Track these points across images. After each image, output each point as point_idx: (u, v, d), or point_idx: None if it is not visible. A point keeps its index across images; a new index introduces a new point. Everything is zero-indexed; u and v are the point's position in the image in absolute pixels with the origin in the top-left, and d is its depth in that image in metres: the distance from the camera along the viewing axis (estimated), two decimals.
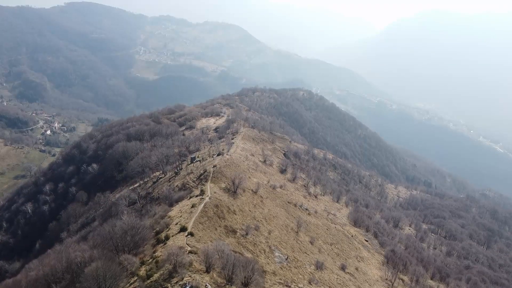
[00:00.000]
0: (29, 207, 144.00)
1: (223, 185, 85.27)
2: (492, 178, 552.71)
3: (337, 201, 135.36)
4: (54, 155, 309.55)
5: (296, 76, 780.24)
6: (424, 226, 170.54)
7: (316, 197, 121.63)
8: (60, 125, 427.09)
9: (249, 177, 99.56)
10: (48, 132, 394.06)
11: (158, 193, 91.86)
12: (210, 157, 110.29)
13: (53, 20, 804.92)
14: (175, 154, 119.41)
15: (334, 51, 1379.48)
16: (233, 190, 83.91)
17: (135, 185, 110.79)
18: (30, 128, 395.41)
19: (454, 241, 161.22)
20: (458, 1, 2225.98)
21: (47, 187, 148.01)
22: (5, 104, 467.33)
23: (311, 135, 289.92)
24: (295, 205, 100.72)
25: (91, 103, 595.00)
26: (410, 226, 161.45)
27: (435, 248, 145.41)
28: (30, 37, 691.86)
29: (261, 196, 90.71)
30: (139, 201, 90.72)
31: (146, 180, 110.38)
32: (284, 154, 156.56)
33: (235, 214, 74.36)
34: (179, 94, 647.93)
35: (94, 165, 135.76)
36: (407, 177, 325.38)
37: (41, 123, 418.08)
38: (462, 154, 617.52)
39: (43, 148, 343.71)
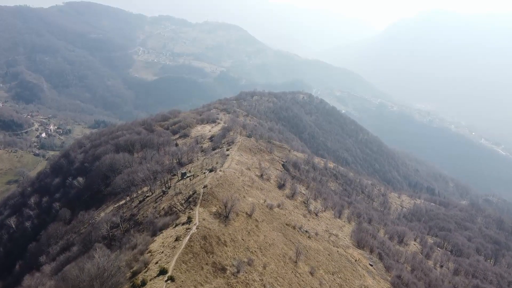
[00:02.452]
0: (13, 221, 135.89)
1: (213, 209, 77.19)
2: (494, 180, 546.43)
3: (339, 217, 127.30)
4: (48, 159, 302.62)
5: (296, 77, 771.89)
6: (430, 240, 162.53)
7: (316, 214, 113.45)
8: (56, 127, 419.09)
9: (244, 197, 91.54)
10: (43, 135, 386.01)
11: (143, 216, 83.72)
12: (202, 172, 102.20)
13: (51, 20, 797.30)
14: (164, 171, 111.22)
15: (334, 51, 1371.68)
16: (224, 215, 75.87)
17: (121, 202, 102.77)
18: (25, 131, 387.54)
19: (461, 258, 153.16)
20: (458, 1, 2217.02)
21: (32, 200, 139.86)
22: (0, 105, 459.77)
23: (311, 140, 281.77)
24: (294, 227, 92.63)
25: (88, 104, 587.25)
26: (415, 240, 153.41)
27: (441, 266, 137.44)
28: (28, 37, 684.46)
29: (256, 220, 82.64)
30: (121, 225, 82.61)
31: (133, 196, 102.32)
32: (283, 165, 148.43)
33: (226, 246, 66.29)
34: (178, 95, 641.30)
35: (80, 179, 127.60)
36: (409, 182, 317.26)
37: (36, 125, 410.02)
38: (463, 156, 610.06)
39: (37, 151, 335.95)
